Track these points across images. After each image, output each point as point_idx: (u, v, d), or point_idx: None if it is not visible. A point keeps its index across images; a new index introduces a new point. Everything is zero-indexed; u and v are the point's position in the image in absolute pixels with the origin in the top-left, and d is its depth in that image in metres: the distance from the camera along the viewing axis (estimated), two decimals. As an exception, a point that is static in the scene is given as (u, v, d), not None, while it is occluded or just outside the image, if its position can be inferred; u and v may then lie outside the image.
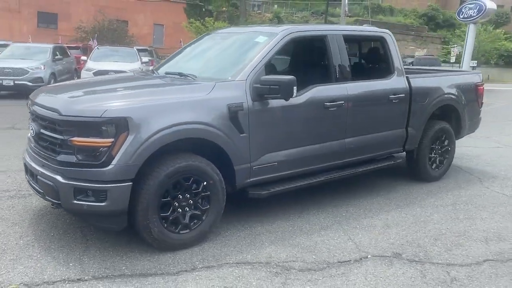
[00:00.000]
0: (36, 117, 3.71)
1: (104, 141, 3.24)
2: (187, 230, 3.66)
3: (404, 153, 5.60)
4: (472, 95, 6.05)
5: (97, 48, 15.88)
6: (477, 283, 3.28)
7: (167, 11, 40.31)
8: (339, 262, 3.56)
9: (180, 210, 3.61)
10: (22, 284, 3.07)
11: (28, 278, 3.14)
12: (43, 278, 3.16)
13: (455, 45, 35.44)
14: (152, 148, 3.34)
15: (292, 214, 4.52)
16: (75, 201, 3.32)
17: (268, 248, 3.74)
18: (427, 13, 46.13)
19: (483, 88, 6.27)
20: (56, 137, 3.41)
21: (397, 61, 5.10)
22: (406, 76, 5.19)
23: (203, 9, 41.90)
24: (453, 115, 5.92)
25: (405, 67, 5.59)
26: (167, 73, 4.57)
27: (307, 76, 4.54)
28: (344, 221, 4.39)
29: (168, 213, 3.54)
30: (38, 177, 3.57)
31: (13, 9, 37.93)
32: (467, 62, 24.61)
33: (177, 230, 3.61)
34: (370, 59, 5.81)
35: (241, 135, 3.80)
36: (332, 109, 4.41)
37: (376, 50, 5.42)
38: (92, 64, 13.69)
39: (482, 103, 6.34)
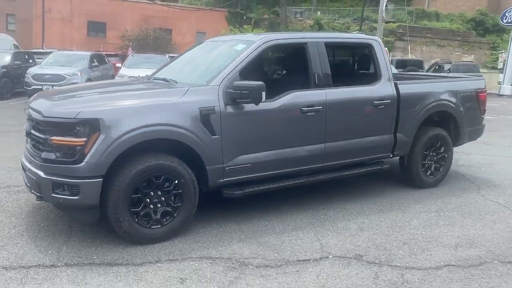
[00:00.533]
0: (28, 118, 4.10)
1: (78, 140, 3.56)
2: (159, 226, 3.91)
3: (394, 158, 5.61)
4: (473, 101, 5.97)
5: (132, 55, 16.64)
6: (427, 286, 3.32)
7: (210, 19, 41.23)
8: (298, 260, 3.69)
9: (152, 206, 3.87)
10: (1, 267, 3.42)
11: (8, 263, 3.50)
12: (21, 263, 3.50)
13: (503, 51, 34.05)
14: (121, 148, 3.62)
15: (271, 214, 4.68)
16: (54, 195, 3.66)
17: (234, 245, 3.93)
18: (475, 17, 44.51)
19: (486, 94, 6.15)
20: (40, 136, 3.78)
21: (384, 68, 5.15)
22: (395, 82, 5.23)
23: (244, 17, 42.61)
24: (450, 121, 5.86)
25: (412, 73, 5.64)
26: (155, 78, 4.88)
27: (286, 82, 4.71)
28: (319, 223, 4.49)
29: (139, 209, 3.81)
30: (26, 172, 3.95)
31: (66, 18, 40.13)
32: (511, 67, 23.69)
33: (148, 225, 3.87)
34: (356, 65, 5.88)
35: (213, 137, 4.02)
36: (309, 114, 4.54)
37: (363, 56, 5.50)
38: (125, 71, 14.37)
39: (484, 110, 6.22)
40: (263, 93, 4.03)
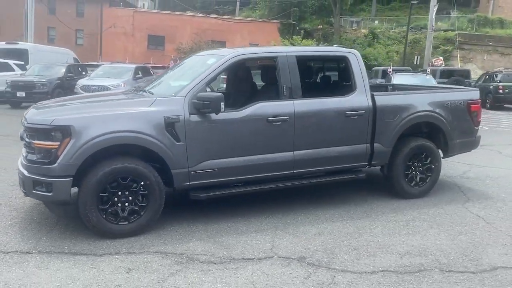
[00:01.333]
0: (22, 125, 4.73)
1: (53, 144, 4.10)
2: (126, 222, 4.36)
3: (375, 168, 5.71)
4: (463, 113, 5.92)
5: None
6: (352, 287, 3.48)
7: (262, 31, 42.02)
8: (243, 259, 3.97)
9: (120, 204, 4.33)
10: (-15, 252, 4.02)
11: (-8, 248, 4.09)
12: (3, 249, 4.07)
13: None
14: (89, 151, 4.12)
15: (240, 217, 4.98)
16: (34, 191, 4.23)
17: (192, 243, 4.28)
18: (544, 24, 41.84)
19: (479, 106, 6.08)
20: (27, 140, 4.37)
21: (359, 79, 5.31)
22: (372, 94, 5.36)
23: (297, 28, 43.00)
24: (438, 133, 5.86)
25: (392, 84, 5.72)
26: (137, 90, 5.38)
27: (256, 94, 5.02)
28: (282, 227, 4.73)
29: (107, 206, 4.27)
30: (18, 171, 4.56)
31: (128, 33, 42.70)
32: None
33: (116, 222, 4.33)
34: (331, 77, 6.04)
35: (177, 143, 4.42)
36: (276, 123, 4.81)
37: (338, 69, 5.68)
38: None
39: (478, 121, 6.13)
40: (222, 104, 4.39)
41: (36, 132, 4.21)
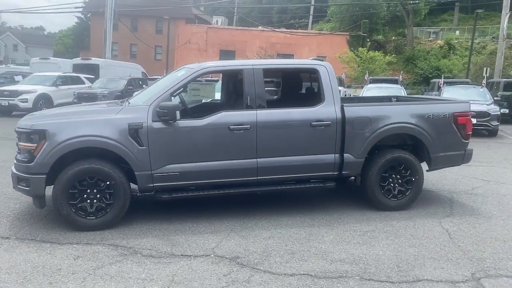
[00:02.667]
0: None
1: (32, 145, 4.77)
2: (94, 217, 4.89)
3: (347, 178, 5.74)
4: (448, 125, 5.76)
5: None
6: (262, 286, 3.66)
7: (331, 43, 41.96)
8: (181, 255, 4.30)
9: (89, 201, 4.87)
10: (-27, 234, 4.75)
11: (-19, 232, 4.82)
12: (-10, 233, 4.79)
13: None
14: (60, 152, 4.71)
15: (204, 219, 5.31)
16: (18, 186, 4.91)
17: (145, 239, 4.70)
18: None
19: (468, 118, 5.86)
20: (16, 142, 5.09)
21: (328, 91, 5.43)
22: (342, 105, 5.45)
23: (367, 40, 42.32)
24: (420, 145, 5.77)
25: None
26: (118, 98, 5.93)
27: (220, 103, 5.33)
28: (239, 229, 4.99)
29: (76, 202, 4.84)
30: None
31: (202, 48, 44.85)
32: None
33: (85, 216, 4.87)
34: (299, 89, 6.15)
35: (140, 147, 4.89)
36: (237, 131, 5.10)
37: (308, 81, 5.80)
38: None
39: (468, 134, 5.91)
40: (177, 113, 4.80)
41: (20, 134, 4.90)
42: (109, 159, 4.92)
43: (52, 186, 4.87)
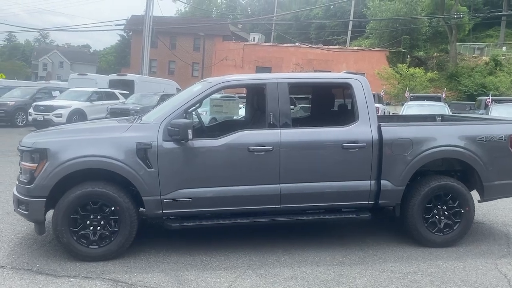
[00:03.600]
0: None
1: (32, 165, 4.35)
2: (97, 246, 4.39)
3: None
4: (503, 149, 4.95)
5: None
6: None
7: (369, 59, 40.98)
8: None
9: (92, 228, 4.39)
10: (-32, 261, 4.35)
11: (-23, 259, 4.41)
12: (-15, 261, 4.38)
13: None
14: (61, 173, 4.27)
15: (217, 251, 4.71)
16: (18, 209, 4.50)
17: (150, 274, 4.15)
18: None
19: (529, 141, 5.03)
20: (19, 161, 4.70)
21: (363, 108, 4.76)
22: (379, 124, 4.77)
23: (408, 56, 41.08)
24: (471, 172, 4.99)
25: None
26: (135, 114, 5.46)
27: (243, 121, 4.77)
28: (257, 266, 4.36)
29: (78, 229, 4.36)
30: None
31: (238, 65, 44.88)
32: None
33: (87, 245, 4.38)
34: (329, 106, 5.47)
35: (149, 170, 4.38)
36: (257, 153, 4.52)
37: (340, 97, 5.14)
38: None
39: (530, 160, 5.07)
40: (190, 131, 4.27)
41: (23, 153, 4.50)
42: (115, 182, 4.43)
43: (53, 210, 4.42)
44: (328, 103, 5.88)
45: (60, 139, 4.44)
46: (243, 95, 15.59)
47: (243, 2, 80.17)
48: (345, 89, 5.06)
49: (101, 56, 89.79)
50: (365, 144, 4.67)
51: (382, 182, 4.77)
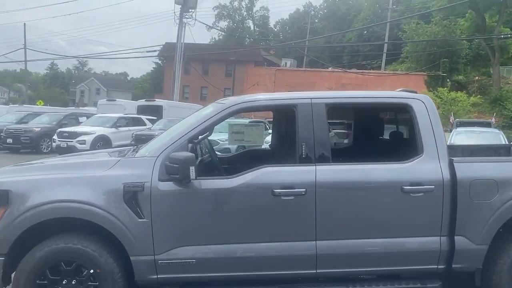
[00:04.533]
0: None
1: (-9, 212, 3.31)
2: (70, 322, 3.28)
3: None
4: None
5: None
6: None
7: (407, 83, 39.09)
8: None
9: (63, 297, 3.29)
10: None
11: None
12: None
13: None
14: (23, 225, 3.23)
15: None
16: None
17: None
18: None
19: None
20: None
21: (429, 138, 3.52)
22: (450, 159, 3.51)
23: (447, 80, 39.21)
24: None
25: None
26: (134, 143, 4.38)
27: (268, 153, 3.63)
28: None
29: (45, 299, 3.27)
30: None
31: (270, 90, 44.08)
32: None
33: (58, 320, 3.28)
34: (378, 133, 4.20)
35: (139, 220, 3.28)
36: (286, 198, 3.34)
37: (396, 122, 3.93)
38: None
39: None
40: (192, 168, 3.14)
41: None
42: (96, 235, 3.34)
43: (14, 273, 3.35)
44: (375, 130, 4.64)
45: (26, 179, 3.41)
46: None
47: (275, 30, 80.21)
48: (402, 112, 3.84)
49: (137, 83, 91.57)
50: (433, 186, 3.41)
51: (457, 238, 3.48)
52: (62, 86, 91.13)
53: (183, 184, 3.28)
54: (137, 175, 3.32)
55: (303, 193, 3.33)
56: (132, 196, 3.27)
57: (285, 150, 3.83)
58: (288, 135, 3.83)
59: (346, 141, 5.21)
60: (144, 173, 3.32)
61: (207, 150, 4.22)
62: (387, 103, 3.89)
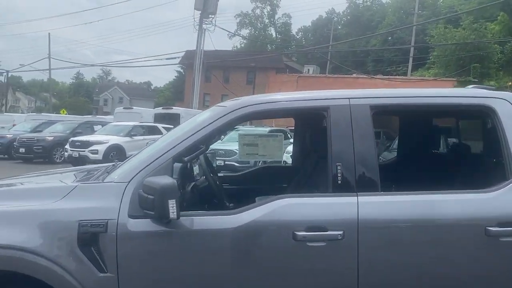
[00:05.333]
0: None
1: None
2: None
3: None
4: None
5: None
6: None
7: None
8: None
9: None
10: None
11: None
12: None
13: None
14: None
15: None
16: None
17: None
18: None
19: None
20: None
21: (522, 155, 2.41)
22: (555, 186, 2.39)
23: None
24: None
25: None
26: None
27: (280, 172, 2.58)
28: None
29: None
30: None
31: (292, 96, 43.13)
32: None
33: None
34: (451, 150, 3.04)
35: (100, 274, 2.25)
36: (314, 244, 2.27)
37: (473, 132, 2.77)
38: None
39: None
40: (172, 203, 2.10)
41: None
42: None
43: None
44: (430, 142, 3.51)
45: None
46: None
47: (297, 37, 79.21)
48: (480, 117, 2.72)
49: (160, 92, 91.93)
50: (533, 227, 2.29)
51: None
52: (87, 95, 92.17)
53: (163, 223, 2.25)
54: (99, 208, 2.31)
55: (340, 237, 2.26)
56: (90, 239, 2.26)
57: (312, 171, 2.77)
58: (316, 151, 2.75)
59: (384, 156, 4.10)
60: (109, 206, 2.31)
61: (209, 169, 3.16)
62: (458, 105, 2.70)
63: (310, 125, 3.05)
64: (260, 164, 8.88)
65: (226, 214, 2.36)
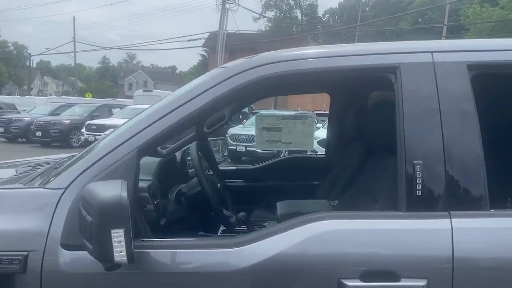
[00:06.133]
0: None
1: None
2: None
3: None
4: None
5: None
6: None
7: (470, 73, 35.79)
8: None
9: None
10: None
11: None
12: None
13: None
14: None
15: None
16: None
17: None
18: None
19: None
20: None
21: None
22: None
23: None
24: None
25: None
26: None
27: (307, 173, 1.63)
28: None
29: None
30: None
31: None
32: None
33: None
34: None
35: None
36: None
37: None
38: None
39: None
40: (117, 235, 1.15)
41: None
42: None
43: None
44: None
45: None
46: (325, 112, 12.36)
47: (324, 19, 77.04)
48: None
49: (184, 76, 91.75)
50: None
51: None
52: (112, 80, 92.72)
53: (106, 267, 1.31)
54: (13, 233, 1.39)
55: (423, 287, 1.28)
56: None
57: (358, 168, 1.78)
58: (371, 140, 1.75)
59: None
60: (31, 228, 1.39)
61: (204, 164, 2.19)
62: None
63: (360, 98, 2.03)
64: (286, 153, 7.87)
65: (224, 246, 1.40)
